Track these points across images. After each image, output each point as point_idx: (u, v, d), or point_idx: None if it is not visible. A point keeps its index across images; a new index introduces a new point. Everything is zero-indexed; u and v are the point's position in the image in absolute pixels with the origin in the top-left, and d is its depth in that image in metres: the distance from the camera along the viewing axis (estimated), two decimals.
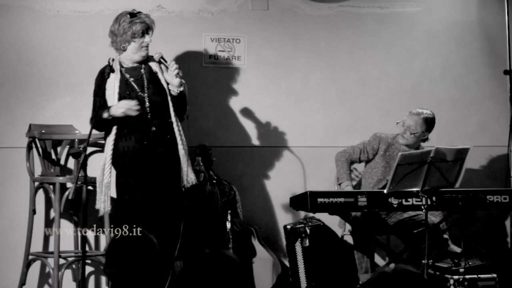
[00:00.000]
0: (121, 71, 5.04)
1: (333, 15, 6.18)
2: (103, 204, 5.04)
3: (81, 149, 4.64)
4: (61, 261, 5.38)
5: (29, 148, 5.49)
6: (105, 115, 4.96)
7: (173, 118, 5.03)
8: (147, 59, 5.09)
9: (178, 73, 4.99)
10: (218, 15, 5.99)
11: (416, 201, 5.14)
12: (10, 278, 5.58)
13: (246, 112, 6.04)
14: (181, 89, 5.03)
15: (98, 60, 5.48)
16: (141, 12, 5.05)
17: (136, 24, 4.98)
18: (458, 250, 5.45)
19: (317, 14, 6.16)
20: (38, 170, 5.55)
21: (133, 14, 5.01)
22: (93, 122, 4.95)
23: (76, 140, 5.53)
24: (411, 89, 6.30)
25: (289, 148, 6.11)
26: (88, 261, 5.65)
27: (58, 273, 5.34)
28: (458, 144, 5.65)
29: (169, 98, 5.03)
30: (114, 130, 5.01)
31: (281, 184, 6.09)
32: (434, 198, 5.16)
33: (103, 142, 5.52)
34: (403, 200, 5.13)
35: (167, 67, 5.04)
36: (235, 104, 6.01)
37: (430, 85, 6.34)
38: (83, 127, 5.57)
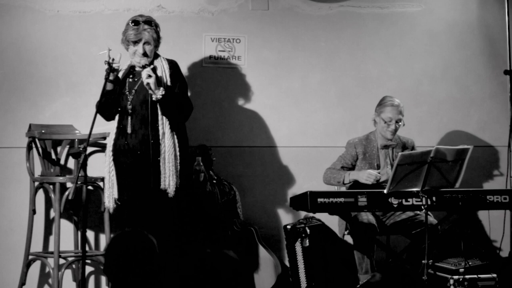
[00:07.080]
0: (131, 69, 5.11)
1: (333, 15, 6.18)
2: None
3: (81, 149, 4.64)
4: (61, 261, 5.38)
5: (29, 148, 5.49)
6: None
7: (159, 124, 5.01)
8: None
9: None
10: (218, 15, 6.00)
11: (416, 201, 5.14)
12: (10, 278, 5.59)
13: (246, 112, 6.04)
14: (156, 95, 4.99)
15: (98, 60, 5.48)
16: (145, 23, 5.03)
17: (129, 32, 5.01)
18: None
19: (317, 14, 6.16)
20: (38, 170, 5.55)
21: (135, 22, 5.02)
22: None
23: (76, 140, 5.53)
24: (411, 89, 6.30)
25: (289, 148, 6.11)
26: (88, 261, 5.65)
27: (58, 273, 5.34)
28: (458, 144, 5.65)
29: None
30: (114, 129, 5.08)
31: (281, 184, 6.09)
32: (434, 198, 5.16)
33: (103, 142, 5.53)
34: (403, 200, 5.13)
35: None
36: (235, 104, 6.01)
37: (430, 85, 6.34)
38: (83, 127, 5.57)
